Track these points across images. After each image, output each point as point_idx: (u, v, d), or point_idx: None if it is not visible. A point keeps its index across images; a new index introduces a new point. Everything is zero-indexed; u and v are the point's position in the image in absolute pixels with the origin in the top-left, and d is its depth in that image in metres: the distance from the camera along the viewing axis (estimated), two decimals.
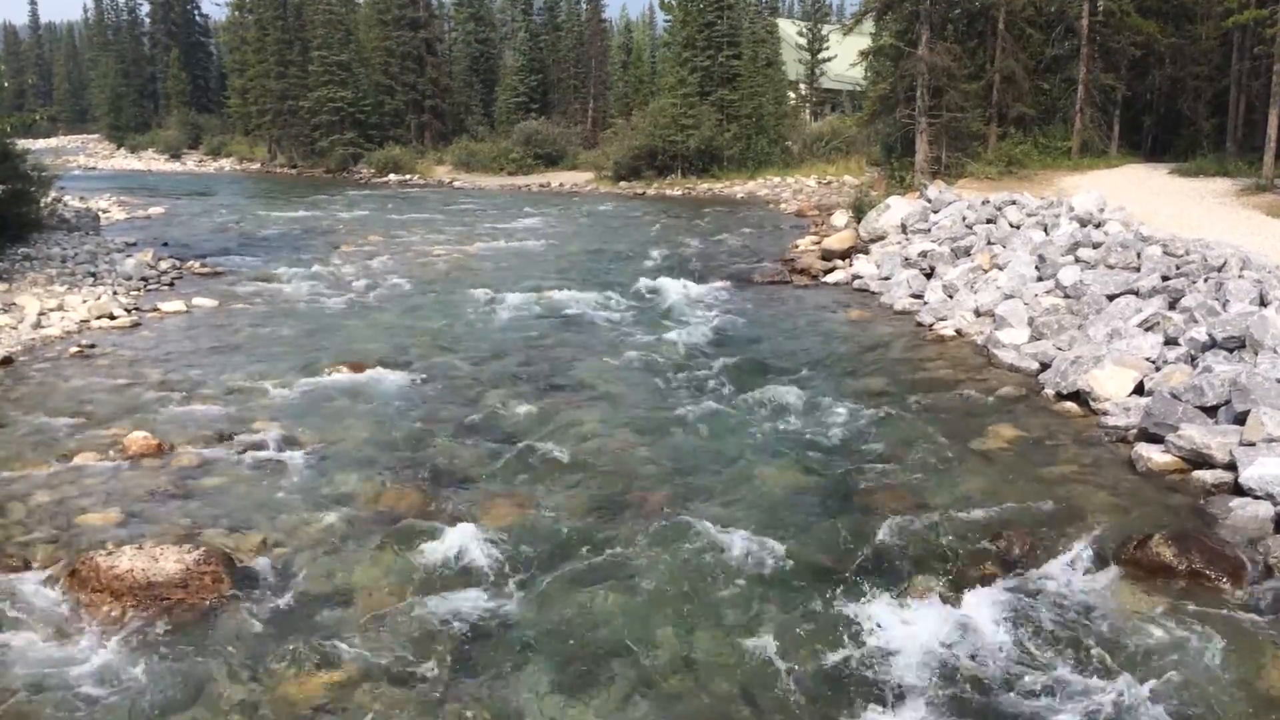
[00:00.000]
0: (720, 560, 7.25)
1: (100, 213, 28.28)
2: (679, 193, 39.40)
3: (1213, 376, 9.21)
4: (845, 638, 6.24)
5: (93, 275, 18.06)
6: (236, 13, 61.64)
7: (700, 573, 7.09)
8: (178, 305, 16.44)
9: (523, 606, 6.70)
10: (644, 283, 18.29)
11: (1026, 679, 5.79)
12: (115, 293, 17.01)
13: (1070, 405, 10.52)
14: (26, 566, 7.14)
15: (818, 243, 21.92)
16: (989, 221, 18.29)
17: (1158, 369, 10.46)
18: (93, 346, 13.69)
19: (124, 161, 67.02)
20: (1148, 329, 11.36)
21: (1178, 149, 27.98)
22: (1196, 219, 17.44)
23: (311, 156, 54.61)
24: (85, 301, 15.91)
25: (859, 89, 44.93)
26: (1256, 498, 7.66)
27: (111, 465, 9.14)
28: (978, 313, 14.22)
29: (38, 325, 14.52)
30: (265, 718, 5.58)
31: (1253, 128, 25.02)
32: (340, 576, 7.08)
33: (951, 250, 17.34)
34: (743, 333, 14.70)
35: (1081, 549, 7.24)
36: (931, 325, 14.54)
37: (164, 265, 20.07)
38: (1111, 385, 10.26)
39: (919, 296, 16.11)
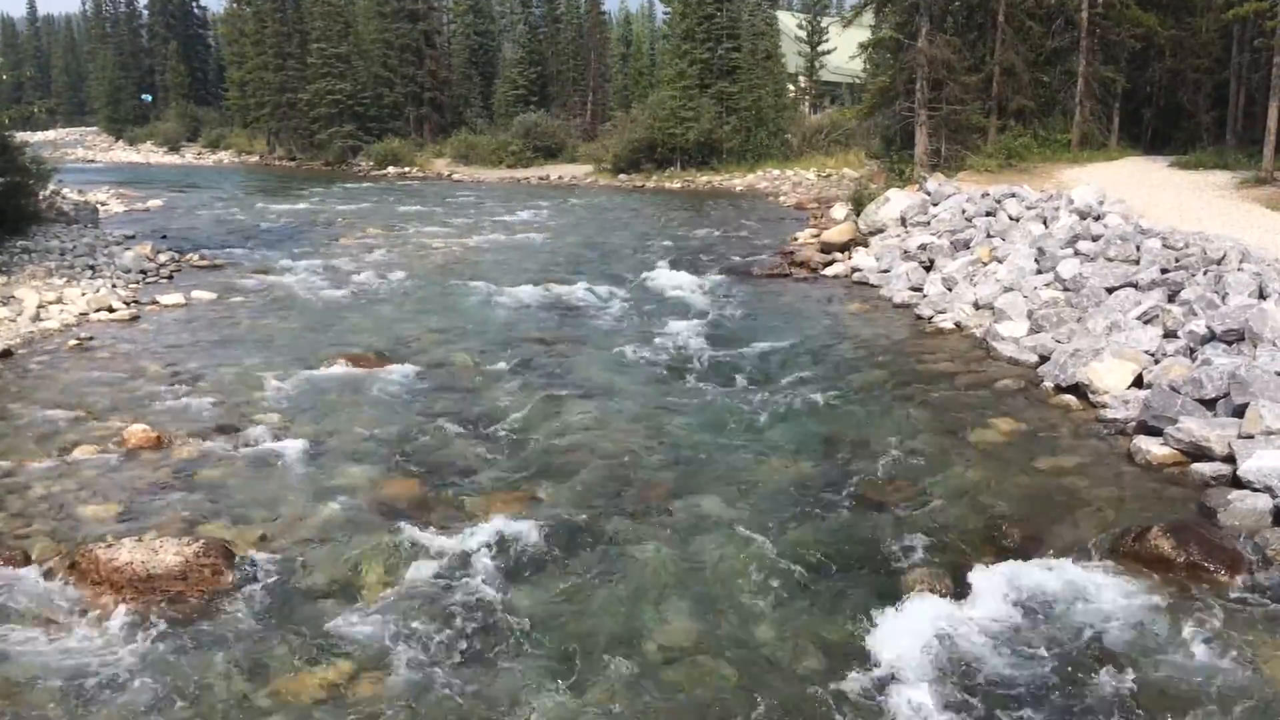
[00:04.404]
0: (719, 553, 7.26)
1: (99, 205, 28.19)
2: (678, 185, 39.37)
3: (1212, 369, 9.22)
4: (844, 630, 6.25)
5: (91, 268, 18.03)
6: (235, 5, 61.49)
7: (699, 565, 7.11)
8: (177, 298, 16.42)
9: (522, 599, 6.71)
10: (643, 276, 18.29)
11: (1025, 672, 5.80)
12: (114, 285, 16.99)
13: (1069, 398, 10.52)
14: (26, 559, 7.14)
15: (817, 235, 21.92)
16: (988, 214, 18.28)
17: (1157, 362, 10.46)
18: (91, 339, 13.68)
19: (122, 154, 66.96)
20: (1147, 322, 11.36)
21: (1177, 142, 27.91)
22: (1196, 212, 17.43)
23: (310, 149, 54.55)
24: (84, 294, 15.89)
25: (858, 82, 44.86)
26: (1255, 490, 7.67)
27: (111, 458, 9.15)
28: (977, 306, 14.21)
29: (36, 318, 14.50)
30: (264, 710, 5.59)
31: (1253, 120, 24.95)
32: (340, 569, 7.09)
33: (951, 243, 17.33)
34: (742, 326, 14.70)
35: (1080, 541, 7.26)
36: (931, 318, 14.53)
37: (163, 258, 20.05)
38: (1110, 378, 10.26)
39: (918, 289, 16.10)
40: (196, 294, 16.82)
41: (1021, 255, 15.05)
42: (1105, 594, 6.53)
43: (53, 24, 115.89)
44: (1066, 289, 13.37)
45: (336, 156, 52.54)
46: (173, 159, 62.72)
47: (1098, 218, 16.01)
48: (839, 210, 24.11)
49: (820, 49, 51.19)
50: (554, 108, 53.82)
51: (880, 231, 20.56)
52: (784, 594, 6.70)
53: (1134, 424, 9.38)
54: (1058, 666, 5.82)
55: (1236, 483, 7.92)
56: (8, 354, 12.82)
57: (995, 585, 6.63)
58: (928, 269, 16.85)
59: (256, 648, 6.12)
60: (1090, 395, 10.33)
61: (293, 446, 9.42)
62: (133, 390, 11.33)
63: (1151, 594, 6.48)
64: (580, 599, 6.69)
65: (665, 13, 52.86)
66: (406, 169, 49.74)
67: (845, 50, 41.67)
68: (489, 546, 7.34)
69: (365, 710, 5.58)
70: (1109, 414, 9.83)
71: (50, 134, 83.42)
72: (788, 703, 5.61)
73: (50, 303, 15.27)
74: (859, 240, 20.43)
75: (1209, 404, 9.02)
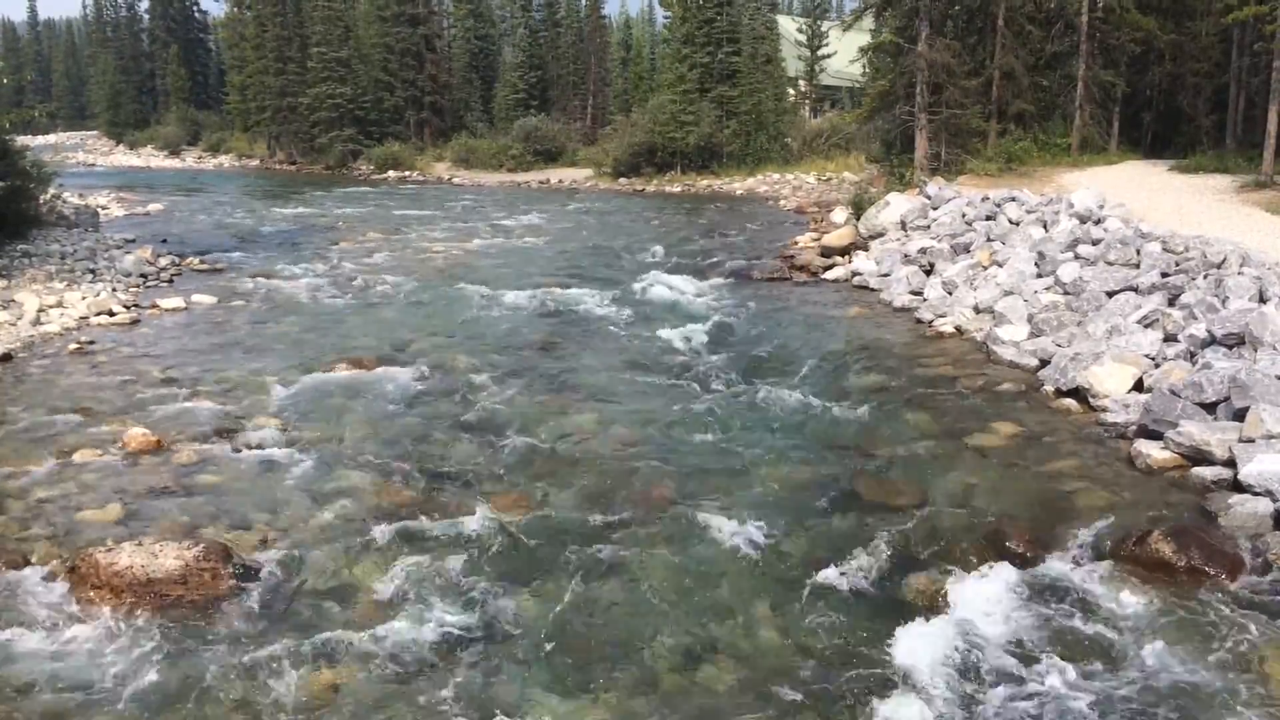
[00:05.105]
0: (719, 557, 7.26)
1: (99, 209, 28.19)
2: (678, 189, 39.39)
3: (1212, 373, 9.22)
4: (844, 634, 6.24)
5: (92, 272, 18.03)
6: (235, 9, 61.57)
7: (700, 570, 7.10)
8: (177, 302, 16.43)
9: (523, 604, 6.70)
10: (643, 280, 18.29)
11: (1025, 675, 5.79)
12: (114, 289, 16.99)
13: (1070, 402, 10.51)
14: (26, 563, 7.14)
15: (817, 239, 21.90)
16: (988, 218, 18.28)
17: (1157, 366, 10.47)
18: (92, 343, 13.68)
19: (123, 158, 66.96)
20: (1147, 326, 11.36)
21: (1177, 145, 27.96)
22: (1196, 215, 17.44)
23: (311, 153, 54.61)
24: (84, 298, 15.90)
25: (858, 85, 44.95)
26: (1256, 494, 7.66)
27: (111, 462, 9.14)
28: (977, 309, 14.21)
29: (37, 322, 14.51)
30: (264, 715, 5.58)
31: (1252, 124, 24.98)
32: (340, 573, 7.09)
33: (951, 247, 17.33)
34: (742, 330, 14.70)
35: (1081, 545, 7.25)
36: (931, 322, 14.53)
37: (163, 262, 20.06)
38: (1111, 382, 10.26)
39: (918, 293, 16.11)
40: (197, 298, 16.82)
41: (1022, 259, 15.05)
42: (1106, 597, 6.52)
43: (53, 28, 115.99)
44: (1067, 293, 13.37)
45: (337, 160, 52.61)
46: (173, 163, 62.73)
47: (1098, 221, 16.01)
48: (839, 214, 24.10)
49: (820, 53, 51.26)
50: (554, 111, 53.89)
51: (880, 235, 20.56)
52: (785, 599, 6.69)
53: (1134, 428, 9.38)
54: (1059, 670, 5.80)
55: (1237, 486, 7.92)
56: (8, 358, 12.82)
57: (996, 589, 6.63)
58: (928, 273, 16.85)
59: (256, 651, 6.11)
60: (1090, 399, 10.33)
61: (293, 450, 9.42)
62: (133, 394, 11.33)
63: (1152, 598, 6.48)
64: (581, 603, 6.68)
65: (665, 17, 52.93)
66: (407, 173, 49.78)
67: (845, 54, 41.75)
68: (489, 550, 7.35)
69: (365, 715, 5.57)
70: (1109, 418, 9.83)
71: (51, 138, 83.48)
72: (790, 708, 5.60)
73: (50, 306, 15.27)
74: (859, 244, 20.43)
75: (1209, 408, 9.01)
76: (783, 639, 6.24)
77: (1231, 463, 8.16)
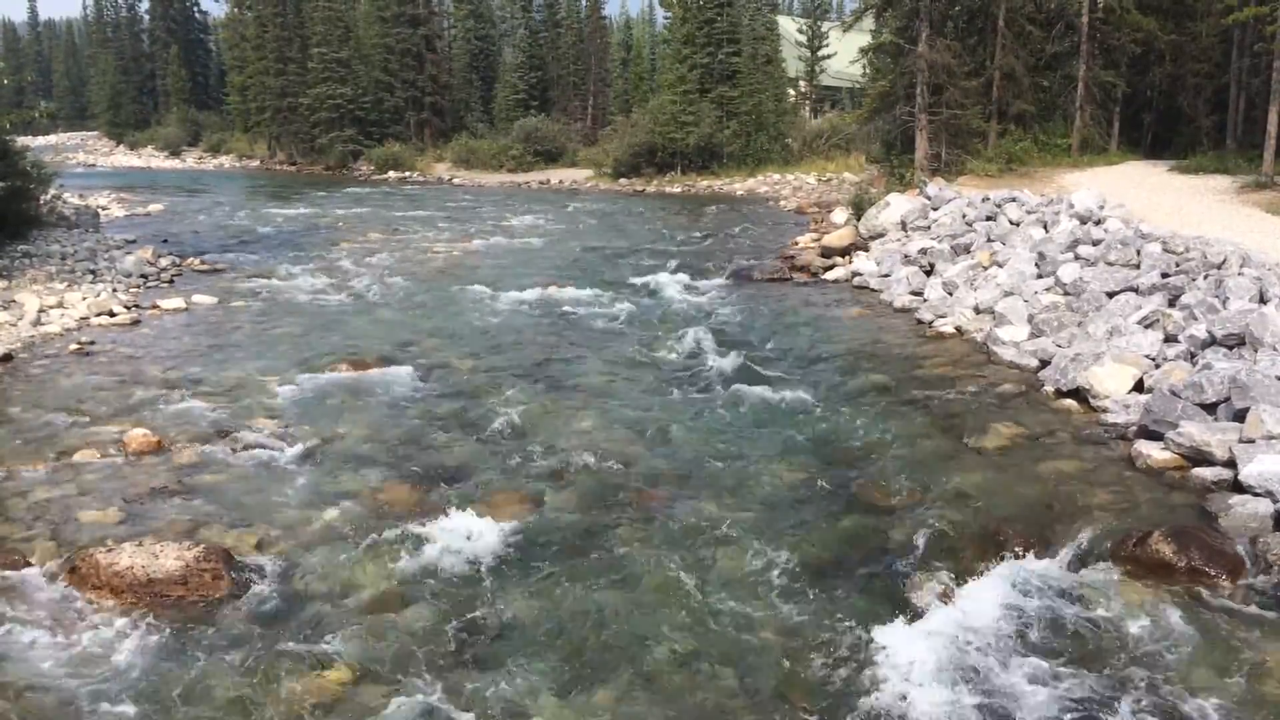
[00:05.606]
0: (720, 557, 7.26)
1: (100, 210, 28.18)
2: (679, 190, 39.39)
3: (1212, 374, 9.21)
4: (844, 635, 6.24)
5: (92, 272, 18.04)
6: (236, 9, 61.60)
7: (700, 570, 7.10)
8: (177, 302, 16.43)
9: (522, 604, 6.70)
10: (643, 280, 18.30)
11: (1025, 676, 5.79)
12: (115, 290, 17.00)
13: (1070, 402, 10.51)
14: (26, 563, 7.14)
15: (817, 240, 21.91)
16: (989, 219, 18.28)
17: (1157, 366, 10.47)
18: (92, 344, 13.68)
19: (123, 159, 66.97)
20: (1147, 326, 11.36)
21: (1178, 146, 27.96)
22: (1196, 216, 17.44)
23: (311, 154, 54.61)
24: (85, 299, 15.90)
25: (859, 86, 44.94)
26: (1256, 495, 7.66)
27: (111, 462, 9.15)
28: (977, 310, 14.21)
29: (37, 322, 14.51)
30: (265, 715, 5.58)
31: (1252, 125, 24.99)
32: (340, 573, 7.08)
33: (951, 247, 17.33)
34: (743, 330, 14.70)
35: (1081, 546, 7.24)
36: (931, 322, 14.53)
37: (164, 262, 20.06)
38: (1111, 382, 10.26)
39: (919, 294, 16.11)
40: (197, 298, 16.82)
41: (1022, 259, 15.05)
42: (1106, 599, 6.52)
43: (54, 28, 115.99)
44: (1067, 293, 13.37)
45: (337, 161, 52.62)
46: (174, 163, 62.73)
47: (1098, 222, 16.02)
48: (839, 214, 24.11)
49: (820, 54, 51.27)
50: (554, 112, 53.91)
51: (880, 236, 20.57)
52: (785, 599, 6.70)
53: (1135, 428, 9.37)
54: (1059, 671, 5.81)
55: (1237, 487, 7.92)
56: (8, 358, 12.82)
57: (996, 590, 6.63)
58: (928, 273, 16.85)
59: (256, 652, 6.11)
60: (1091, 399, 10.33)
61: (293, 451, 9.43)
62: (133, 394, 11.33)
63: (1153, 598, 6.48)
64: (581, 603, 6.68)
65: (666, 17, 52.93)
66: (407, 173, 49.80)
67: (845, 55, 41.74)
68: (489, 551, 7.34)
69: (364, 715, 5.57)
70: (1110, 418, 9.83)
71: (51, 138, 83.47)
72: (789, 708, 5.60)
73: (51, 307, 15.27)
74: (859, 244, 20.44)
75: (1210, 408, 9.01)
76: (782, 639, 6.24)
77: (1232, 463, 8.16)
